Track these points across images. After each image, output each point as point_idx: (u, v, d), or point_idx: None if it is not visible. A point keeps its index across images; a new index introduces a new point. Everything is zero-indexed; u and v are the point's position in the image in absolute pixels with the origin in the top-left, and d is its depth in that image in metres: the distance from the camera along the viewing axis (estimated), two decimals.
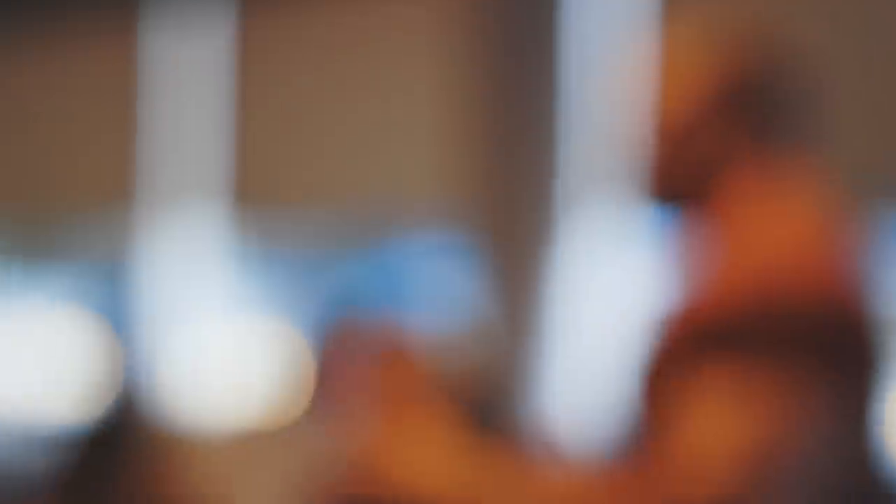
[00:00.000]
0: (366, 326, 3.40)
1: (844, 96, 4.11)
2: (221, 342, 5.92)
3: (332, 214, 5.69)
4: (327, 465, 3.38)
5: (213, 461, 3.56)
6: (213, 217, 5.99)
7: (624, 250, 4.63)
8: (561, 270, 4.64)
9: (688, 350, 1.68)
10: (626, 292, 4.06)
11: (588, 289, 4.63)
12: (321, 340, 3.58)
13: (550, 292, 4.63)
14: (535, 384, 4.56)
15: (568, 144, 4.60)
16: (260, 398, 3.64)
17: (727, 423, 1.62)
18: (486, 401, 3.76)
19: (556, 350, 4.61)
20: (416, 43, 5.44)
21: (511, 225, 4.77)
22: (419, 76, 5.41)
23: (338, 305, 3.71)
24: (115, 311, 5.76)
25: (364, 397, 2.49)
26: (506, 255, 4.78)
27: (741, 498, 1.61)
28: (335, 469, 1.77)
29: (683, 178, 1.80)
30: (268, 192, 5.91)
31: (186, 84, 6.10)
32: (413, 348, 2.49)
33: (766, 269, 1.68)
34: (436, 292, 5.31)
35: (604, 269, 4.65)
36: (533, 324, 4.64)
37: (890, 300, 1.75)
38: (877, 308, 1.73)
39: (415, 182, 5.42)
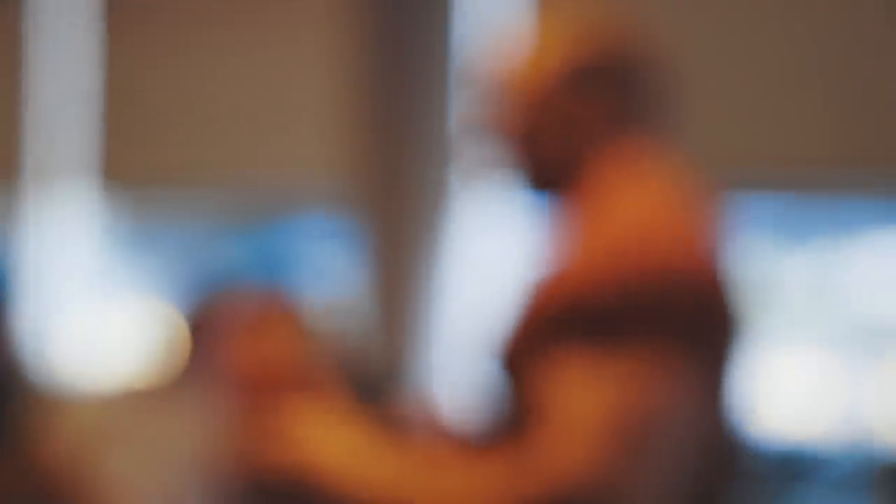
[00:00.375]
0: (243, 296, 3.44)
1: (699, 90, 4.25)
2: (96, 316, 5.91)
3: (214, 192, 5.68)
4: (208, 435, 3.42)
5: (86, 422, 3.61)
6: (89, 194, 5.96)
7: (506, 232, 4.71)
8: (446, 250, 4.69)
9: (546, 326, 1.71)
10: (504, 273, 4.14)
11: (471, 268, 4.70)
12: (195, 309, 3.61)
13: (435, 272, 4.68)
14: (418, 361, 4.62)
15: (455, 124, 4.62)
16: (133, 369, 3.68)
17: (590, 396, 1.65)
18: (364, 375, 3.82)
19: (439, 327, 4.66)
20: (302, 18, 5.43)
21: (396, 204, 4.78)
22: (305, 52, 5.40)
23: (214, 279, 3.74)
24: None
25: (238, 366, 2.51)
26: (390, 234, 4.79)
27: (609, 471, 1.64)
28: (223, 444, 1.78)
29: (547, 160, 1.84)
30: (148, 169, 5.88)
31: (60, 61, 6.05)
32: (291, 315, 2.51)
33: (625, 245, 1.71)
34: (318, 271, 5.34)
35: (486, 249, 4.72)
36: (417, 302, 4.68)
37: (744, 281, 1.82)
38: (733, 284, 1.76)
39: (299, 160, 5.42)
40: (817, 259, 4.72)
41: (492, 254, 4.72)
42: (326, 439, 1.77)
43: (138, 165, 5.89)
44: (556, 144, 1.84)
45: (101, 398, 3.64)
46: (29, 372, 4.22)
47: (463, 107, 2.02)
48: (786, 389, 4.48)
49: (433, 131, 4.70)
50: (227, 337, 2.64)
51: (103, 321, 5.91)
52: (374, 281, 4.79)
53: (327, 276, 5.16)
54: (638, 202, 1.78)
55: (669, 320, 1.68)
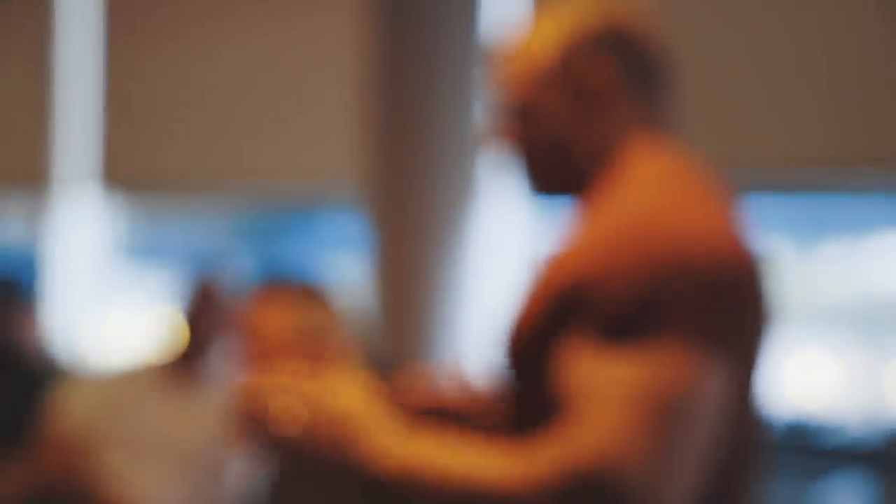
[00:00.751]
0: (242, 274, 3.47)
1: (707, 92, 4.28)
2: (107, 314, 5.96)
3: (228, 192, 5.70)
4: (222, 412, 3.47)
5: (95, 404, 3.69)
6: (99, 196, 6.00)
7: (526, 228, 4.74)
8: (465, 249, 4.68)
9: (562, 300, 1.69)
10: (521, 269, 4.16)
11: (490, 266, 4.70)
12: (193, 287, 3.69)
13: (454, 270, 4.67)
14: (439, 350, 4.61)
15: (475, 120, 4.60)
16: (141, 362, 3.76)
17: (614, 375, 1.63)
18: (380, 363, 3.84)
19: (458, 326, 4.66)
20: (314, 16, 5.43)
21: (413, 203, 4.75)
22: (317, 49, 5.40)
23: (211, 266, 3.81)
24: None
25: (255, 335, 2.52)
26: (407, 233, 4.76)
27: (640, 448, 1.60)
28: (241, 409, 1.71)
29: (558, 142, 1.81)
30: (155, 171, 5.90)
31: (66, 65, 6.08)
32: (308, 292, 2.52)
33: (646, 227, 1.68)
34: (333, 272, 5.36)
35: (506, 246, 4.74)
36: (434, 302, 4.67)
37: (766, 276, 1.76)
38: (762, 270, 1.73)
39: (314, 160, 5.43)
40: (831, 256, 4.77)
41: (511, 250, 4.74)
42: (359, 397, 1.70)
43: (146, 167, 5.91)
44: (564, 124, 1.82)
45: (108, 381, 3.72)
46: (54, 364, 4.31)
47: (483, 102, 2.01)
48: (803, 371, 4.57)
49: (451, 127, 4.68)
50: (246, 308, 2.67)
51: (114, 319, 5.97)
52: (390, 281, 4.78)
53: (342, 276, 5.18)
54: (652, 182, 1.76)
55: (692, 301, 1.64)
